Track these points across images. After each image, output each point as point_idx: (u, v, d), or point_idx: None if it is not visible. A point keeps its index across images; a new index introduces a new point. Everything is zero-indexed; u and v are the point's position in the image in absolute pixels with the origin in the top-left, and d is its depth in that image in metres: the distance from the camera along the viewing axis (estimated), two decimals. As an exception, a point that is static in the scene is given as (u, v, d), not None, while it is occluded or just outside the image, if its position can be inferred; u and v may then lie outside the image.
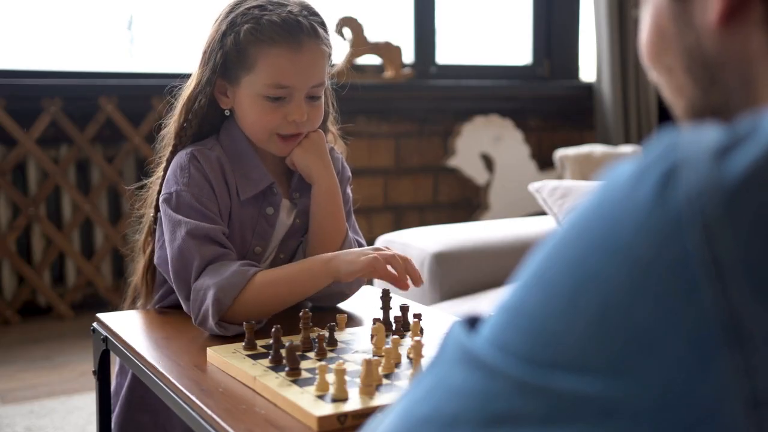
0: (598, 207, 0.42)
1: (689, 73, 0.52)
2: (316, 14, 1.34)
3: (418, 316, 1.21)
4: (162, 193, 1.33)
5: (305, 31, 1.29)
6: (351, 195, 1.48)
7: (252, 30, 1.28)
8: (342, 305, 1.41)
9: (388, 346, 1.06)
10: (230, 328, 1.21)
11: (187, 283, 1.24)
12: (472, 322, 0.46)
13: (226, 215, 1.32)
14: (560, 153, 3.33)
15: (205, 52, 1.33)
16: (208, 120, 1.37)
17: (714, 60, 0.50)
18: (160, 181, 1.37)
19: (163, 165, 1.38)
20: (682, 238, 0.38)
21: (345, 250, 1.28)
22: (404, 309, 1.25)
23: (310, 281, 1.25)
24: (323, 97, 1.37)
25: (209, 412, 0.94)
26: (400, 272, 1.24)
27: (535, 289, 0.42)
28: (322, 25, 1.34)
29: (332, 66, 1.40)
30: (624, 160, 0.43)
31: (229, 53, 1.30)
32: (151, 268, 1.40)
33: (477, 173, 4.07)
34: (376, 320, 1.19)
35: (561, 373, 0.39)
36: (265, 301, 1.23)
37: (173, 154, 1.36)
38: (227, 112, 1.36)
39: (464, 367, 0.43)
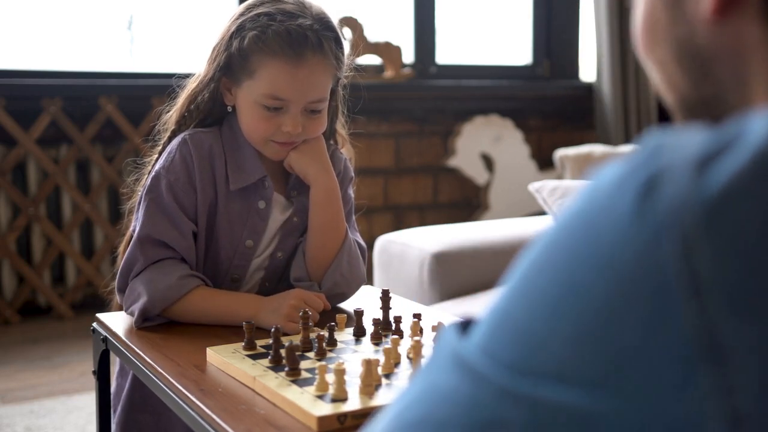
0: (582, 213, 0.41)
1: (680, 65, 0.51)
2: (330, 29, 1.31)
3: (417, 316, 1.20)
4: None
5: (310, 45, 1.27)
6: (353, 196, 1.48)
7: (256, 38, 1.27)
8: (342, 305, 1.41)
9: (387, 346, 1.06)
10: (156, 319, 1.29)
11: (126, 278, 1.30)
12: (466, 325, 0.46)
13: (205, 207, 1.33)
14: (560, 153, 3.33)
15: (213, 50, 1.34)
16: (214, 114, 1.38)
17: (706, 53, 0.49)
18: (153, 163, 1.39)
19: (159, 149, 1.40)
20: (661, 254, 0.37)
21: (271, 304, 1.26)
22: (394, 318, 1.23)
23: (231, 322, 1.26)
24: (328, 106, 1.37)
25: (209, 412, 0.94)
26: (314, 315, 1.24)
27: (522, 296, 0.42)
28: (334, 40, 1.31)
29: (342, 77, 1.38)
30: (611, 162, 0.42)
31: (233, 56, 1.30)
32: None
33: (477, 173, 4.07)
34: (375, 320, 1.19)
35: (545, 382, 0.39)
36: (193, 317, 1.29)
37: (170, 140, 1.37)
38: (230, 109, 1.37)
39: (454, 372, 0.43)
